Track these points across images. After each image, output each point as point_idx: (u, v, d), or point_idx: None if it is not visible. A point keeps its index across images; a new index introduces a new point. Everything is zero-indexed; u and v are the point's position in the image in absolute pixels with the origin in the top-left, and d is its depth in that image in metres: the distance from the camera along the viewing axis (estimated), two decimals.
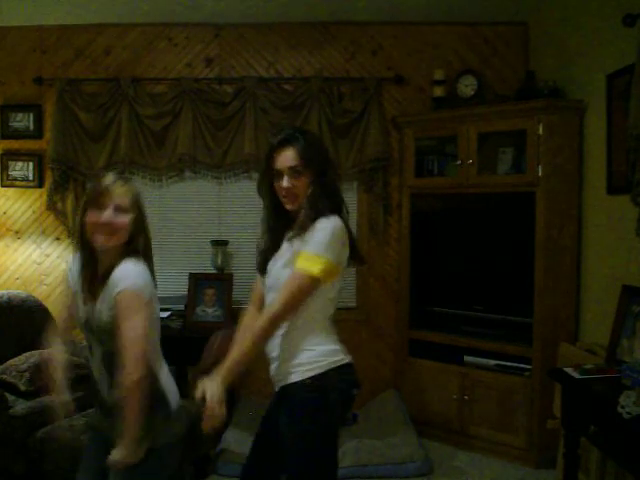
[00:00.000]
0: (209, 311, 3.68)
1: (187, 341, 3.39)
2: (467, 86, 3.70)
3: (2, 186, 3.96)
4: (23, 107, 3.93)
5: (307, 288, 1.73)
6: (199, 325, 3.63)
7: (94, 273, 1.76)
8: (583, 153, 3.19)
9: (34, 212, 3.97)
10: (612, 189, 2.86)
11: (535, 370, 3.20)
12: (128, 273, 1.70)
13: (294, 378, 1.78)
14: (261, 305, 1.94)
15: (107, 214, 1.71)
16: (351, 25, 3.94)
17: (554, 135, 3.16)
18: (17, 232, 3.97)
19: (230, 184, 3.95)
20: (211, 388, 1.67)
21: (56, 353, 1.89)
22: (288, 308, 1.73)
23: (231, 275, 3.80)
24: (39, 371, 3.05)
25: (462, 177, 3.46)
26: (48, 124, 3.89)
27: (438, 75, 3.78)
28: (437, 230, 3.74)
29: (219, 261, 3.84)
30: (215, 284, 3.73)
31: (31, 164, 3.94)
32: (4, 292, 3.50)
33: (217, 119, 3.84)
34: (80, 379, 2.34)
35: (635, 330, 2.39)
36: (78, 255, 1.81)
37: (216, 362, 1.76)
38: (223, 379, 1.69)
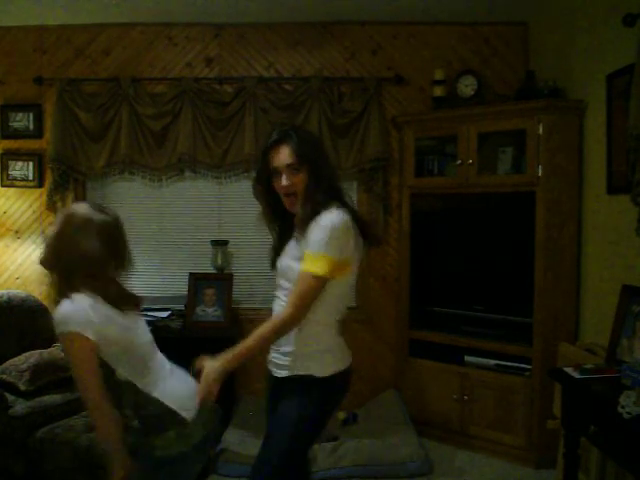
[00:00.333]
0: (209, 311, 3.69)
1: (187, 341, 3.40)
2: (467, 86, 3.71)
3: (2, 186, 3.96)
4: (23, 107, 3.93)
5: (314, 288, 1.78)
6: (199, 325, 3.64)
7: None
8: (583, 153, 3.19)
9: (34, 212, 3.97)
10: (612, 189, 2.86)
11: (535, 370, 3.20)
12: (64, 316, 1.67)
13: (312, 369, 1.83)
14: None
15: None
16: (351, 25, 3.94)
17: (554, 135, 3.16)
18: (17, 232, 3.97)
19: (230, 184, 3.95)
20: (211, 366, 1.73)
21: None
22: (299, 309, 1.79)
23: (231, 275, 3.80)
24: (39, 371, 3.06)
25: (462, 177, 3.46)
26: (48, 124, 3.89)
27: (438, 75, 3.78)
28: (437, 230, 3.73)
29: (219, 261, 3.84)
30: (215, 284, 3.74)
31: (31, 164, 3.94)
32: (4, 292, 3.50)
33: (217, 119, 3.84)
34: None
35: (635, 330, 2.38)
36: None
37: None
38: (226, 362, 1.74)
